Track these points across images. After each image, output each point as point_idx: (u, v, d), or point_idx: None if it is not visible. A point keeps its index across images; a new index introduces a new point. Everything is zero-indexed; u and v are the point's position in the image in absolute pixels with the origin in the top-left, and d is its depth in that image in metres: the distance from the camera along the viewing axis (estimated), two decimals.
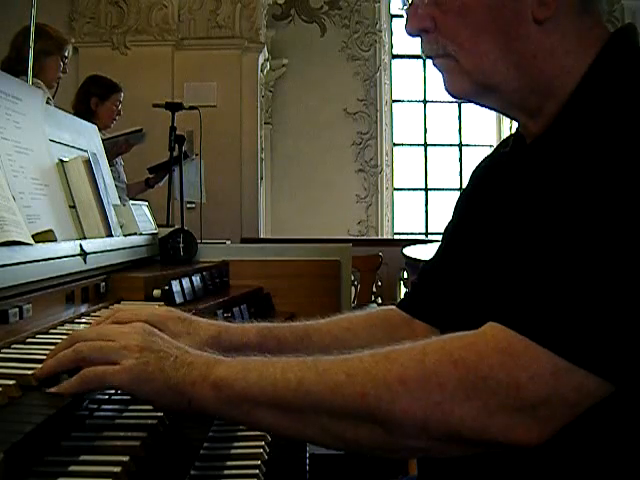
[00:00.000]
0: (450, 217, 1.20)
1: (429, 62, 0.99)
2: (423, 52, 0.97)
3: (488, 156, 1.17)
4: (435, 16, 0.93)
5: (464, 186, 1.20)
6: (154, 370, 0.85)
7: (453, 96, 0.97)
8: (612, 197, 0.76)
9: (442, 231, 1.22)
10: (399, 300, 1.28)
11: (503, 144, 1.11)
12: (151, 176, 4.45)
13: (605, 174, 0.78)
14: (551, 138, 0.91)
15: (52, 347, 1.02)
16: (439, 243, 1.22)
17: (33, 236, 1.30)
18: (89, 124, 2.15)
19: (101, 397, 0.99)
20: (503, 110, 0.99)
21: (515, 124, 1.03)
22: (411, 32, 0.96)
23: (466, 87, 0.95)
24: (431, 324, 1.17)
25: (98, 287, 1.57)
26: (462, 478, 0.95)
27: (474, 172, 1.17)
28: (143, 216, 2.40)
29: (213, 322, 1.16)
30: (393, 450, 0.83)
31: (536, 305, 0.77)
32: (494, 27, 0.90)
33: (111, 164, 2.35)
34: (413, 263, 3.87)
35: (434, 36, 0.94)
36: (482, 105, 1.01)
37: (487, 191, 1.06)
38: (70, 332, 1.15)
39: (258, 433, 1.14)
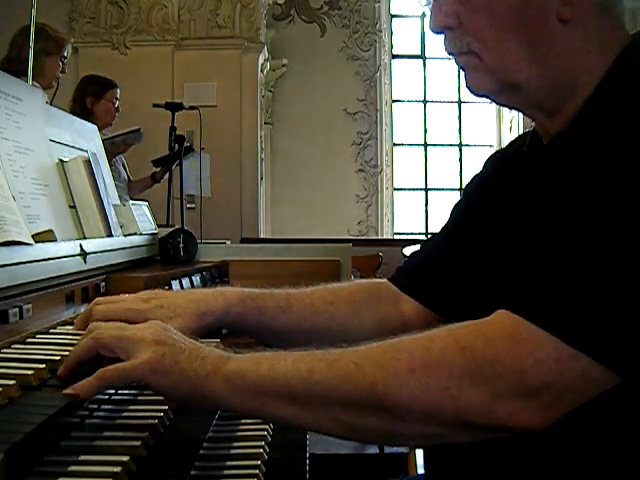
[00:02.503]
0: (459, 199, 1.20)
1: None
2: (446, 49, 0.98)
3: (504, 149, 1.18)
4: (459, 13, 0.94)
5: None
6: (170, 363, 0.87)
7: (475, 94, 0.98)
8: (626, 195, 0.77)
9: None
10: (392, 274, 1.26)
11: (519, 140, 1.11)
12: (157, 170, 4.45)
13: (619, 175, 0.78)
14: (569, 139, 0.92)
15: (52, 347, 1.02)
16: (445, 222, 1.22)
17: (33, 236, 1.30)
18: (89, 124, 2.15)
19: (101, 397, 0.99)
20: (522, 109, 1.00)
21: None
22: (435, 29, 0.97)
23: (488, 85, 0.95)
24: (423, 304, 1.17)
25: (98, 287, 1.57)
26: (467, 466, 0.96)
27: (488, 160, 1.19)
28: (143, 216, 2.40)
29: (190, 299, 1.15)
30: (402, 437, 0.85)
31: (544, 292, 0.78)
32: (519, 26, 0.91)
33: (110, 164, 2.35)
34: None
35: (458, 33, 0.95)
36: (501, 104, 1.02)
37: (502, 186, 1.07)
38: (70, 332, 1.15)
39: (258, 433, 1.14)
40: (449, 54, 0.98)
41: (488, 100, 1.02)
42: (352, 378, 0.81)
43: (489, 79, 0.94)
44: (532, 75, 0.92)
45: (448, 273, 1.12)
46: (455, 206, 1.21)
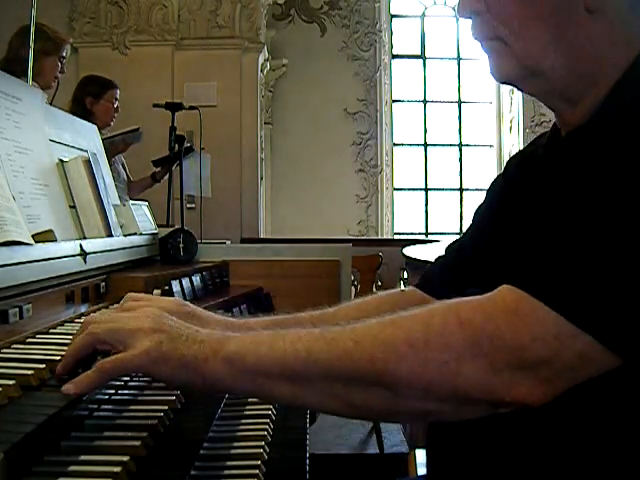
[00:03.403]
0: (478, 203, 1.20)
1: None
2: (473, 35, 0.98)
3: (524, 149, 1.19)
4: None
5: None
6: (168, 349, 0.87)
7: (498, 80, 0.98)
8: (637, 183, 0.77)
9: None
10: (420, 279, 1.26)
11: (540, 138, 1.12)
12: (157, 170, 4.45)
13: (631, 166, 0.79)
14: (588, 131, 0.92)
15: (52, 347, 1.02)
16: (469, 224, 1.22)
17: (33, 236, 1.30)
18: (89, 124, 2.15)
19: (101, 397, 0.99)
20: (543, 96, 1.00)
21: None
22: (463, 14, 0.97)
23: (512, 71, 0.96)
24: None
25: (98, 287, 1.57)
26: (470, 468, 0.96)
27: (510, 160, 1.19)
28: (143, 216, 2.40)
29: (220, 318, 1.16)
30: (402, 413, 0.85)
31: (550, 269, 0.78)
32: (546, 13, 0.91)
33: (110, 163, 2.35)
34: (413, 263, 3.87)
35: (485, 19, 0.95)
36: (522, 90, 1.02)
37: (523, 184, 1.07)
38: (70, 332, 1.15)
39: (258, 433, 1.14)
40: (476, 40, 0.98)
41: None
42: (351, 355, 0.81)
43: (514, 65, 0.95)
44: (557, 63, 0.92)
45: (473, 274, 1.12)
46: (477, 208, 1.21)
